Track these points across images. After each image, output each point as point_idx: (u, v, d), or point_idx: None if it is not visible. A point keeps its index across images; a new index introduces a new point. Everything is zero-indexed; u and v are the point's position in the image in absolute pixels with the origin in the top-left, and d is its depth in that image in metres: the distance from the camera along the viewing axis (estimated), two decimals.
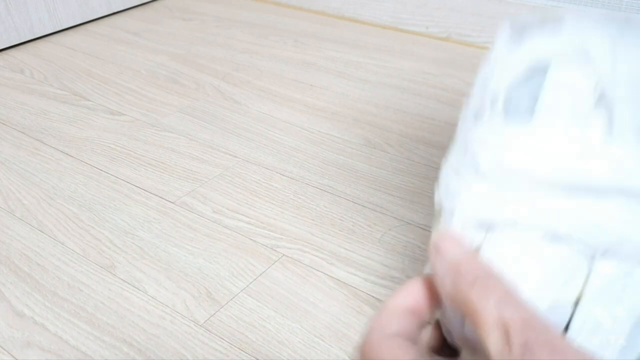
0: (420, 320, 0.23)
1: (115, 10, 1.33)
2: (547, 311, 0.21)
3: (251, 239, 0.67)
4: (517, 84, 0.23)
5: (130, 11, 1.35)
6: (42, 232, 0.69)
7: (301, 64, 1.08)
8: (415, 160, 0.80)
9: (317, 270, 0.63)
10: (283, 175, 0.78)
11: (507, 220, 0.22)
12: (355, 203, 0.73)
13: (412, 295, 0.23)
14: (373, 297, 0.59)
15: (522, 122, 0.22)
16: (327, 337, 0.55)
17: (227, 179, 0.78)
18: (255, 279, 0.62)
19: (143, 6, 1.38)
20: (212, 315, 0.58)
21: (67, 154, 0.84)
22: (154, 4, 1.40)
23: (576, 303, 0.22)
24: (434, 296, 0.23)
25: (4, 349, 0.55)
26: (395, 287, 0.60)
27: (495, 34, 0.26)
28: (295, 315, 0.58)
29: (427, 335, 0.26)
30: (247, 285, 0.61)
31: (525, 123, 0.22)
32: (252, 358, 0.54)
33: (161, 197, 0.75)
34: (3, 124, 0.92)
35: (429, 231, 0.68)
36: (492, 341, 0.19)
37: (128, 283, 0.62)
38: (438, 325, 0.26)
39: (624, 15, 0.23)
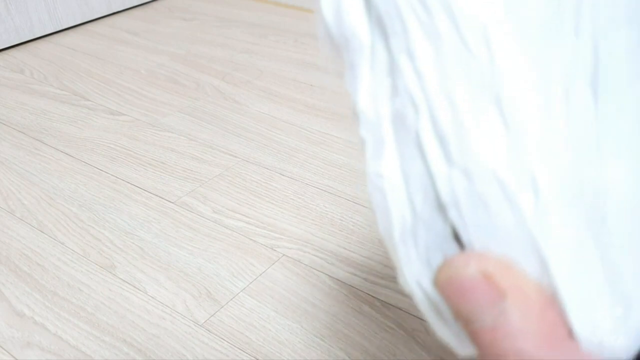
0: None
1: (115, 10, 1.33)
2: None
3: (251, 239, 0.67)
4: None
5: (130, 11, 1.35)
6: (42, 232, 0.69)
7: (301, 64, 1.08)
8: None
9: (317, 270, 0.63)
10: (283, 175, 0.78)
11: None
12: (355, 203, 0.73)
13: None
14: (373, 297, 0.59)
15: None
16: (327, 337, 0.55)
17: (227, 179, 0.78)
18: (255, 279, 0.62)
19: (143, 6, 1.38)
20: (212, 315, 0.58)
21: (67, 154, 0.84)
22: (154, 4, 1.40)
23: None
24: None
25: (4, 349, 0.55)
26: (396, 287, 0.60)
27: None
28: (295, 315, 0.58)
29: None
30: (247, 285, 0.61)
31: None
32: (252, 358, 0.54)
33: (161, 197, 0.75)
34: (3, 124, 0.92)
35: None
36: None
37: (128, 283, 0.62)
38: None
39: None
